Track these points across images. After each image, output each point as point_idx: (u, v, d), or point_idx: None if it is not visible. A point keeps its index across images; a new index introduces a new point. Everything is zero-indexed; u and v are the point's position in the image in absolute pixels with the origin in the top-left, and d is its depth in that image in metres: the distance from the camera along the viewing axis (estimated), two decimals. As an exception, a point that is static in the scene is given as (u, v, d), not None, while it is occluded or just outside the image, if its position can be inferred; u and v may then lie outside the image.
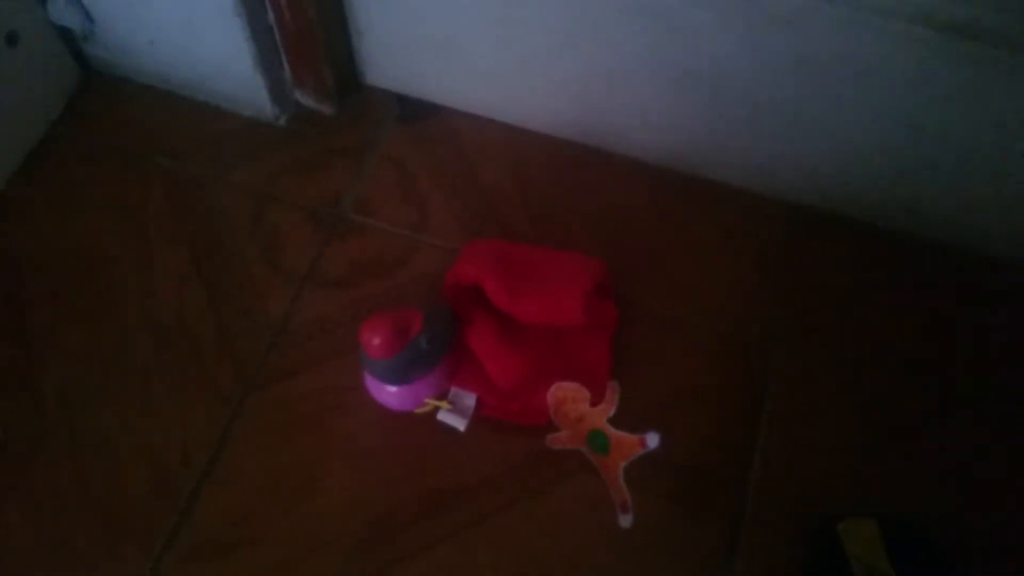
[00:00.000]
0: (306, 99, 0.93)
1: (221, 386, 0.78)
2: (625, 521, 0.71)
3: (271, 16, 0.82)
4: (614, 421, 0.75)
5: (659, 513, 0.73)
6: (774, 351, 0.81)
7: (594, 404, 0.74)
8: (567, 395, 0.74)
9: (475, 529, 0.72)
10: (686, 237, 0.87)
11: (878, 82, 0.71)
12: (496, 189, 0.90)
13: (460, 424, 0.73)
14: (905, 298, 0.85)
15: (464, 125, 0.94)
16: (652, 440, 0.74)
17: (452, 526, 0.72)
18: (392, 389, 0.70)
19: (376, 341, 0.65)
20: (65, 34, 0.91)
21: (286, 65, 0.88)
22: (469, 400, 0.74)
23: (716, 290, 0.84)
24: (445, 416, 0.74)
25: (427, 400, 0.72)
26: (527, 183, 0.90)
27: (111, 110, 0.95)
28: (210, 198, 0.89)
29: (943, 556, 0.71)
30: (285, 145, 0.92)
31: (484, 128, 0.93)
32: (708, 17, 0.71)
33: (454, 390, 0.75)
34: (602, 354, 0.77)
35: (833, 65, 0.71)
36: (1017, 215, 0.81)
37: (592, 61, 0.81)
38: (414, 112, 0.94)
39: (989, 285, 0.86)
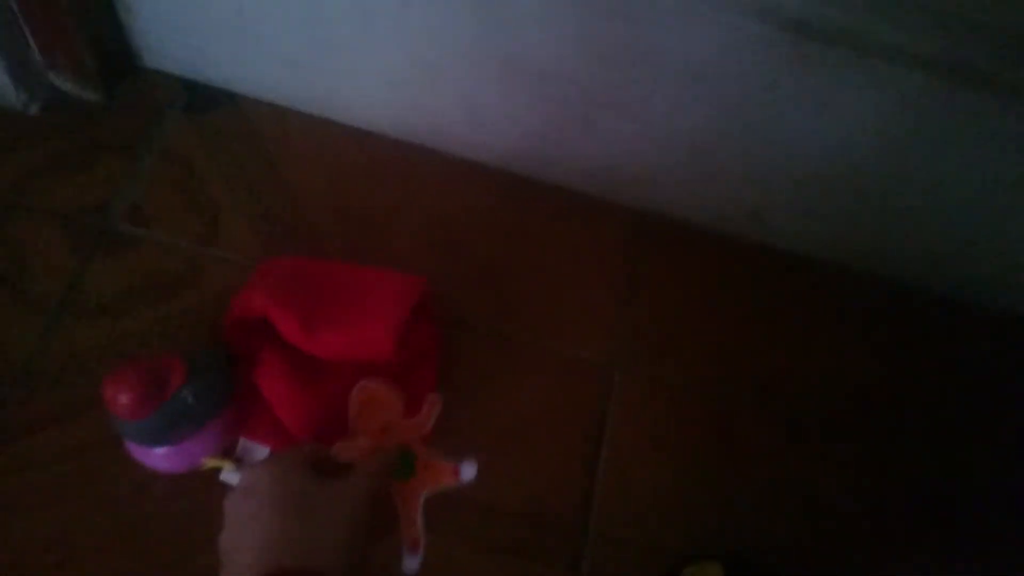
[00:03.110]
0: (64, 83, 0.76)
1: (-60, 448, 0.62)
2: (410, 565, 0.57)
3: (1, -25, 0.66)
4: (427, 442, 0.62)
5: (487, 568, 0.64)
6: (616, 374, 0.74)
7: (407, 416, 0.60)
8: (374, 396, 0.60)
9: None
10: (522, 247, 0.78)
11: (716, 80, 0.64)
12: (304, 193, 0.77)
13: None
14: (755, 314, 0.79)
15: (265, 117, 0.80)
16: (467, 471, 0.59)
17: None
18: (158, 451, 0.56)
19: (124, 399, 0.51)
20: None
21: (31, 39, 0.71)
22: (261, 454, 0.62)
23: (555, 306, 0.76)
24: (230, 477, 0.61)
25: (205, 460, 0.59)
26: (341, 186, 0.78)
27: None
28: (-66, 205, 0.71)
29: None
30: (37, 139, 0.75)
31: (289, 121, 0.80)
32: (536, 5, 0.62)
33: (243, 443, 0.62)
34: (425, 382, 0.66)
35: (669, 60, 0.63)
36: (864, 227, 0.77)
37: (412, 48, 0.70)
38: (204, 101, 0.80)
39: (844, 300, 0.81)
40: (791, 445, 0.73)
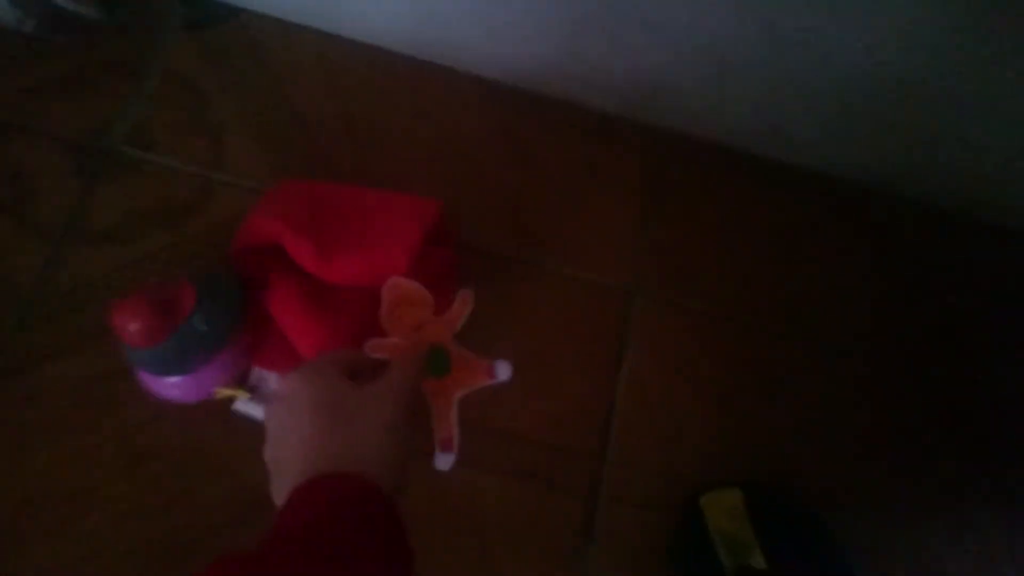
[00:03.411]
0: (59, -2, 0.72)
1: (-49, 377, 0.61)
2: (443, 462, 0.58)
3: None
4: (460, 339, 0.61)
5: (508, 494, 0.64)
6: (636, 298, 0.71)
7: (438, 313, 0.60)
8: (405, 294, 0.59)
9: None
10: (539, 167, 0.75)
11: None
12: (311, 112, 0.74)
13: (263, 414, 0.60)
14: (777, 235, 0.76)
15: (269, 33, 0.76)
16: (502, 370, 0.60)
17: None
18: (170, 380, 0.55)
19: (133, 327, 0.50)
20: None
21: (21, -48, 0.67)
22: (275, 382, 0.61)
23: (573, 229, 0.73)
24: (244, 407, 0.60)
25: (218, 389, 0.58)
26: (350, 106, 0.75)
27: None
28: (-70, 129, 0.68)
29: (809, 521, 0.65)
30: (35, 59, 0.72)
31: (294, 37, 0.76)
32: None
33: (256, 372, 0.61)
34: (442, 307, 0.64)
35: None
36: (889, 146, 0.73)
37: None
38: (204, 16, 0.76)
39: (867, 220, 0.78)
40: (812, 370, 0.72)
